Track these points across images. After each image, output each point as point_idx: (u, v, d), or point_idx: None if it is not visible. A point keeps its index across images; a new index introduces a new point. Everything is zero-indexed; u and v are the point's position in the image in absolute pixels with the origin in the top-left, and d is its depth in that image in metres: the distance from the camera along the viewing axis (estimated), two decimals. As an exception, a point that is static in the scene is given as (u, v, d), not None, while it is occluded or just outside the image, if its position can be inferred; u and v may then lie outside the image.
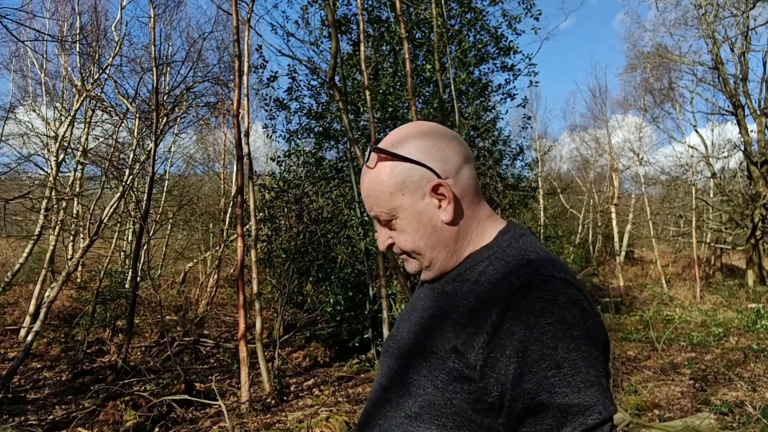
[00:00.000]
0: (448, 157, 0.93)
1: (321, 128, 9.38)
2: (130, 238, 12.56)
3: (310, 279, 8.81)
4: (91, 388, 6.02)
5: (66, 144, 9.33)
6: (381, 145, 0.95)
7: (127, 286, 8.11)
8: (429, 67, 8.08)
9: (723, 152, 18.43)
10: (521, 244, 0.91)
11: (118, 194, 8.25)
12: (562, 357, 0.74)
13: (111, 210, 8.16)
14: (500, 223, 0.97)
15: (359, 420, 1.02)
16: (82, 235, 10.70)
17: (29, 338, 6.27)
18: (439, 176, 0.91)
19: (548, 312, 0.76)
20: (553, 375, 0.74)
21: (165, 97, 9.27)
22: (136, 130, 9.28)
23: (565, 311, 0.77)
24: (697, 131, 25.15)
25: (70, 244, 11.20)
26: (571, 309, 0.77)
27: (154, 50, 7.76)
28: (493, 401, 0.78)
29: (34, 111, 11.29)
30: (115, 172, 9.10)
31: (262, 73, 9.21)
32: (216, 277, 11.73)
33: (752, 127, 15.99)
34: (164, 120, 8.95)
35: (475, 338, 0.80)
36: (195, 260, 13.78)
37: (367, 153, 0.98)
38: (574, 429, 0.72)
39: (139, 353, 7.92)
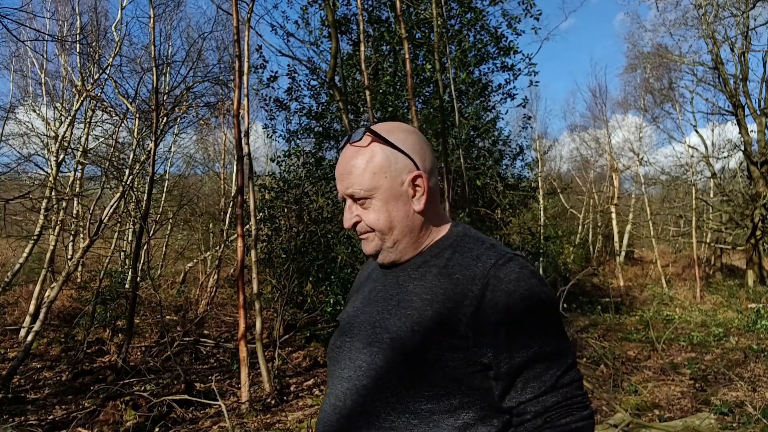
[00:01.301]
0: (427, 157, 1.05)
1: (321, 128, 9.37)
2: (130, 238, 12.56)
3: (310, 279, 8.81)
4: (91, 388, 6.02)
5: (66, 144, 9.33)
6: (373, 128, 1.04)
7: (127, 286, 8.10)
8: (429, 67, 8.08)
9: (723, 152, 18.45)
10: (473, 233, 1.06)
11: (118, 194, 8.25)
12: (536, 316, 0.93)
13: (111, 210, 8.16)
14: (449, 220, 1.10)
15: (324, 417, 1.02)
16: (82, 235, 10.70)
17: (29, 338, 6.27)
18: (418, 169, 1.03)
19: (522, 282, 0.93)
20: (536, 330, 0.92)
21: (165, 97, 9.27)
22: (136, 130, 9.28)
23: (532, 280, 0.94)
24: (697, 131, 25.07)
25: (70, 244, 11.19)
26: (536, 278, 0.95)
27: (154, 50, 7.76)
28: (487, 362, 0.92)
29: (34, 111, 11.29)
30: (115, 172, 9.10)
31: (262, 73, 9.22)
32: (216, 277, 11.72)
33: (752, 127, 16.00)
34: (164, 120, 8.95)
35: (460, 312, 0.93)
36: (195, 260, 13.77)
37: (354, 132, 1.05)
38: (559, 369, 0.92)
39: (139, 353, 7.92)
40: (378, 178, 1.01)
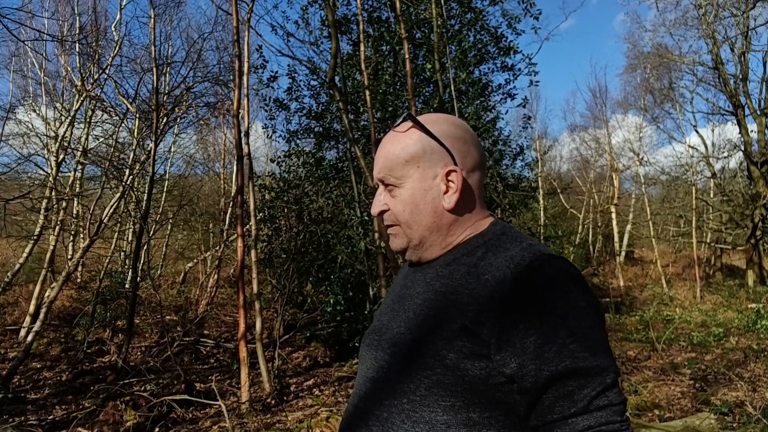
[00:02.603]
0: (470, 154, 0.98)
1: (321, 128, 9.37)
2: (130, 238, 12.56)
3: (310, 279, 8.81)
4: (91, 388, 6.02)
5: (66, 144, 9.33)
6: (416, 117, 0.99)
7: (127, 286, 8.11)
8: (429, 67, 8.07)
9: (723, 152, 18.45)
10: (513, 233, 0.97)
11: (118, 194, 8.25)
12: (574, 325, 0.81)
13: (111, 210, 8.16)
14: (490, 217, 1.02)
15: (347, 417, 0.98)
16: (82, 235, 10.70)
17: (29, 338, 6.27)
18: (455, 164, 0.96)
19: (556, 286, 0.83)
20: (570, 342, 0.81)
21: (165, 97, 9.27)
22: (136, 130, 9.28)
23: (569, 284, 0.84)
24: (697, 131, 25.17)
25: (70, 244, 11.19)
26: (574, 282, 0.85)
27: (154, 50, 7.76)
28: (511, 373, 0.82)
29: (34, 111, 11.28)
30: (115, 172, 9.10)
31: (262, 73, 9.23)
32: (216, 277, 11.72)
33: (752, 127, 16.00)
34: (164, 120, 8.95)
35: (485, 316, 0.84)
36: (195, 260, 13.77)
37: (400, 119, 1.00)
38: (594, 389, 0.80)
39: (139, 353, 7.92)
40: (409, 167, 0.96)
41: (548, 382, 0.81)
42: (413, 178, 0.96)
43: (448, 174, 0.96)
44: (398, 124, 0.99)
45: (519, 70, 9.55)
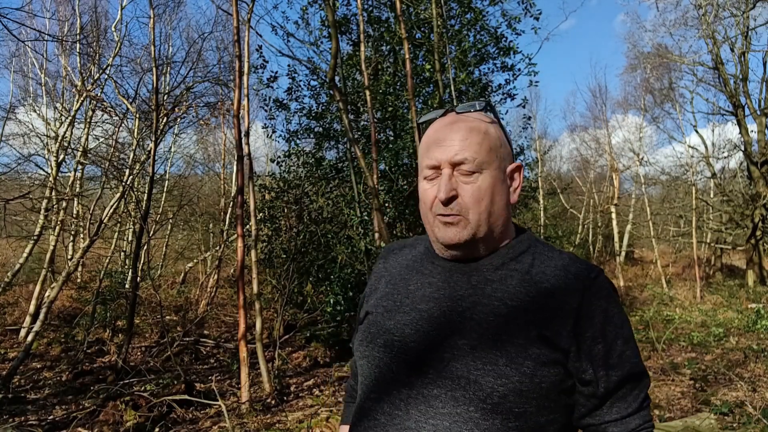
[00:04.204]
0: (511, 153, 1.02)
1: (321, 128, 9.37)
2: (130, 238, 12.56)
3: (310, 279, 8.81)
4: (91, 388, 6.02)
5: (66, 144, 9.33)
6: None
7: (127, 286, 8.10)
8: (429, 67, 8.07)
9: (723, 152, 18.42)
10: (540, 239, 1.02)
11: (118, 194, 8.25)
12: (626, 334, 0.91)
13: (111, 210, 8.16)
14: (513, 223, 1.04)
15: (383, 423, 0.89)
16: (82, 235, 10.70)
17: (29, 338, 6.27)
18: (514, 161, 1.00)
19: (612, 298, 0.92)
20: (626, 349, 0.90)
21: (165, 97, 9.27)
22: (136, 130, 9.28)
23: (617, 296, 0.94)
24: (697, 131, 25.14)
25: (70, 244, 11.19)
26: (616, 293, 0.94)
27: (154, 50, 7.76)
28: (589, 378, 0.88)
29: (35, 111, 11.29)
30: (115, 172, 9.10)
31: (262, 73, 9.23)
32: (216, 277, 11.72)
33: (752, 127, 15.99)
34: (164, 120, 8.95)
35: (560, 324, 0.87)
36: (195, 260, 13.77)
37: (467, 105, 0.98)
38: (641, 390, 0.91)
39: (139, 353, 7.92)
40: (492, 153, 0.93)
41: (617, 387, 0.89)
42: (494, 167, 0.93)
43: (517, 169, 0.98)
44: (475, 109, 0.96)
45: (519, 70, 9.56)
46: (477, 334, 0.87)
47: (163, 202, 12.88)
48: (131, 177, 8.56)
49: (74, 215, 11.44)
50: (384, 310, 0.98)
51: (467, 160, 0.91)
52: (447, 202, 0.91)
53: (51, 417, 5.15)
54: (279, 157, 9.85)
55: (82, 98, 9.03)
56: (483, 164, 0.92)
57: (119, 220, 11.30)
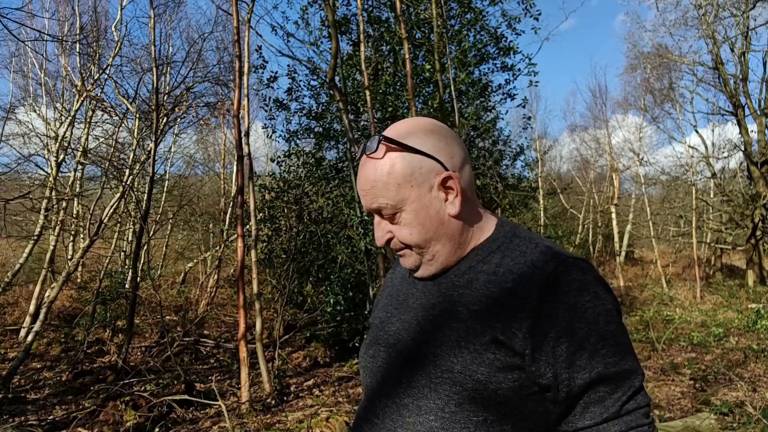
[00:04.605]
0: (454, 153, 0.93)
1: (321, 128, 9.37)
2: (130, 238, 12.56)
3: (310, 279, 8.81)
4: (91, 388, 6.02)
5: (66, 144, 9.33)
6: (387, 134, 0.93)
7: (127, 286, 8.10)
8: (429, 67, 8.07)
9: (723, 152, 18.42)
10: (523, 233, 0.95)
11: (118, 194, 8.25)
12: (604, 330, 0.81)
13: (111, 210, 8.16)
14: (493, 217, 0.99)
15: (364, 429, 0.93)
16: (82, 235, 10.70)
17: (29, 338, 6.27)
18: (446, 169, 0.91)
19: (584, 291, 0.82)
20: (601, 347, 0.80)
21: (165, 97, 9.27)
22: (136, 130, 9.28)
23: (596, 288, 0.83)
24: (697, 131, 25.18)
25: (70, 244, 11.19)
26: (600, 286, 0.84)
27: (154, 50, 7.76)
28: (548, 383, 0.81)
29: (35, 111, 11.29)
30: (115, 172, 9.10)
31: (262, 73, 9.22)
32: (216, 277, 11.73)
33: (752, 127, 16.00)
34: (164, 120, 8.95)
35: (516, 326, 0.82)
36: (195, 260, 13.78)
37: (369, 142, 0.93)
38: (624, 393, 0.81)
39: (139, 353, 7.92)
40: (404, 189, 0.90)
41: (582, 390, 0.80)
42: (411, 199, 0.91)
43: (443, 182, 0.92)
44: (372, 150, 0.92)
45: (519, 70, 9.54)
46: (440, 341, 0.86)
47: (163, 202, 12.88)
48: (131, 177, 8.56)
49: (74, 215, 11.44)
50: (378, 321, 1.03)
51: (382, 206, 0.92)
52: (387, 246, 0.96)
53: (51, 417, 5.15)
54: (279, 157, 9.85)
55: (82, 98, 9.03)
56: (398, 203, 0.91)
57: (119, 220, 11.30)
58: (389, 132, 0.93)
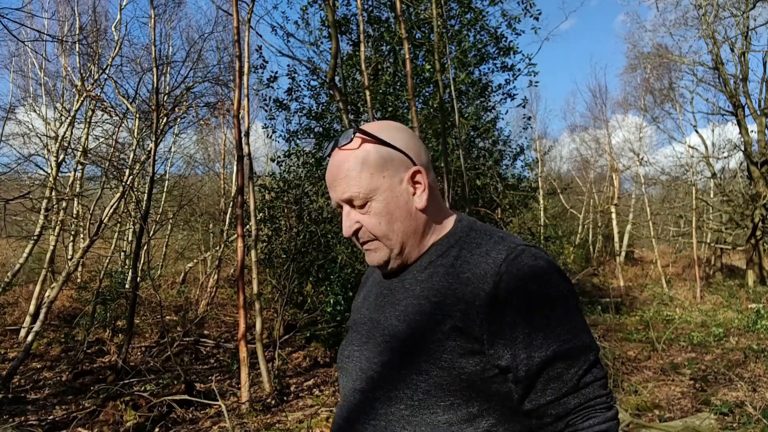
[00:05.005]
0: (422, 152, 1.00)
1: (321, 128, 9.37)
2: (130, 238, 12.56)
3: (310, 279, 8.80)
4: (91, 388, 6.02)
5: (66, 144, 9.33)
6: (362, 128, 0.98)
7: (127, 286, 8.10)
8: (429, 67, 8.07)
9: (723, 152, 18.43)
10: (480, 226, 1.00)
11: (118, 194, 8.25)
12: (555, 312, 0.86)
13: (111, 210, 8.16)
14: (452, 213, 1.04)
15: (341, 426, 0.97)
16: (82, 235, 10.70)
17: (29, 338, 6.27)
18: (415, 164, 0.97)
19: (536, 275, 0.87)
20: (555, 326, 0.85)
21: (165, 97, 9.27)
22: (136, 130, 9.28)
23: (548, 272, 0.88)
24: (697, 131, 25.15)
25: (70, 244, 11.19)
26: (552, 270, 0.89)
27: (154, 50, 7.76)
28: (506, 364, 0.86)
29: (34, 111, 11.29)
30: (115, 172, 9.10)
31: (262, 73, 9.22)
32: (216, 277, 11.73)
33: (752, 127, 16.00)
34: (164, 120, 8.95)
35: (473, 313, 0.86)
36: (195, 260, 13.78)
37: (342, 136, 0.98)
38: (580, 368, 0.86)
39: (139, 353, 7.92)
40: (376, 178, 0.94)
41: (540, 368, 0.85)
42: (383, 188, 0.95)
43: (413, 175, 0.97)
44: (348, 140, 0.96)
45: (519, 70, 9.54)
46: (405, 334, 0.91)
47: (163, 202, 12.88)
48: (131, 177, 8.56)
49: (74, 215, 11.44)
50: (353, 323, 1.07)
51: (352, 196, 0.95)
52: (354, 235, 0.98)
53: (51, 417, 5.15)
54: (279, 157, 9.86)
55: (82, 98, 9.03)
56: (370, 192, 0.95)
57: (119, 220, 11.30)
58: (364, 126, 0.98)
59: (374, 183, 0.95)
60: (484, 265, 0.89)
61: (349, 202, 0.97)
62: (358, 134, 0.96)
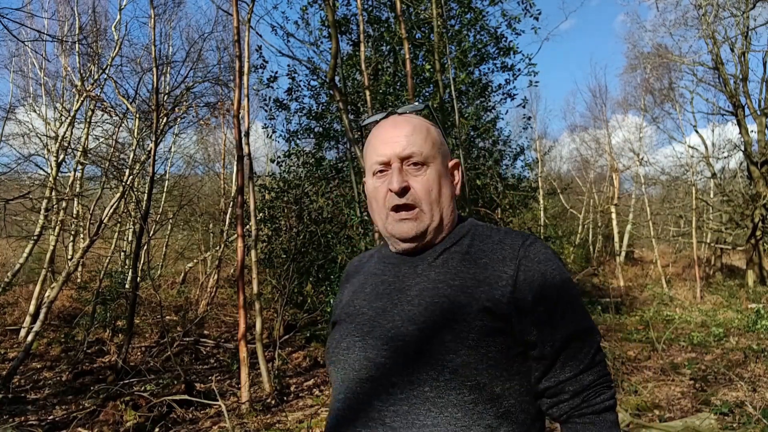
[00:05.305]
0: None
1: (321, 128, 9.37)
2: (130, 238, 12.56)
3: (310, 279, 8.80)
4: (91, 388, 6.02)
5: (66, 144, 9.33)
6: None
7: (127, 286, 8.10)
8: (429, 67, 8.07)
9: (723, 152, 18.42)
10: (483, 223, 1.07)
11: (118, 194, 8.25)
12: (569, 293, 0.94)
13: (111, 210, 8.16)
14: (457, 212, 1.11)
15: (343, 422, 0.93)
16: (82, 235, 10.70)
17: (29, 338, 6.27)
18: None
19: (550, 261, 0.95)
20: (570, 308, 0.93)
21: (165, 97, 9.27)
22: (136, 130, 9.28)
23: (557, 260, 0.96)
24: (697, 131, 25.10)
25: (70, 244, 11.19)
26: (558, 258, 0.98)
27: (154, 50, 7.76)
28: (534, 339, 0.91)
29: (34, 111, 11.29)
30: (115, 172, 9.10)
31: (262, 73, 9.23)
32: (216, 277, 11.73)
33: (752, 127, 15.99)
34: (164, 120, 8.95)
35: (498, 293, 0.91)
36: (195, 260, 13.77)
37: (407, 106, 1.07)
38: (591, 347, 0.93)
39: (139, 353, 7.92)
40: (435, 149, 1.01)
41: (562, 346, 0.91)
42: (438, 162, 1.01)
43: (456, 166, 1.06)
44: (411, 111, 1.04)
45: (519, 70, 9.55)
46: (424, 317, 0.91)
47: (163, 202, 12.88)
48: (131, 177, 8.56)
49: (74, 215, 11.44)
50: (346, 315, 1.04)
51: (414, 153, 0.98)
52: (401, 192, 0.97)
53: (51, 417, 5.15)
54: (279, 157, 9.85)
55: (82, 98, 9.03)
56: (428, 157, 0.99)
57: (119, 220, 11.30)
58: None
59: (434, 151, 1.00)
60: (500, 251, 0.96)
61: (407, 158, 0.98)
62: (427, 110, 1.07)
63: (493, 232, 1.01)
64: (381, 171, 1.00)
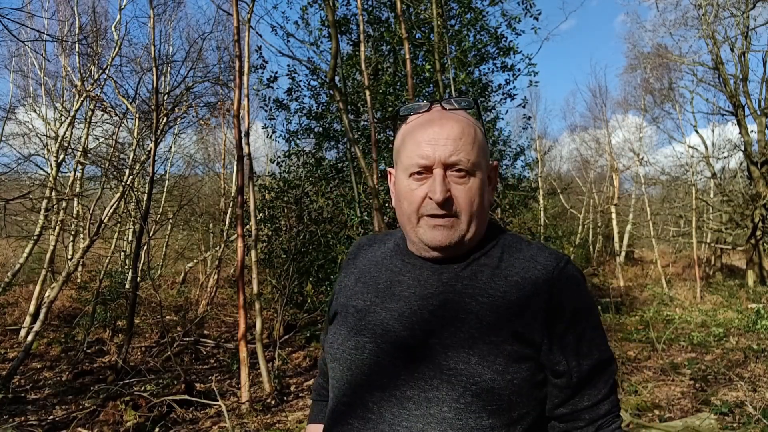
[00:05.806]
0: None
1: (321, 128, 9.37)
2: (130, 238, 12.56)
3: (310, 279, 8.80)
4: (91, 388, 6.01)
5: (66, 144, 9.33)
6: None
7: (127, 286, 8.10)
8: (429, 67, 8.07)
9: (723, 152, 18.42)
10: (510, 232, 1.01)
11: (118, 194, 8.24)
12: (594, 322, 0.92)
13: (111, 210, 8.16)
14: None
15: (356, 426, 0.88)
16: (82, 235, 10.70)
17: (29, 338, 6.27)
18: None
19: (580, 287, 0.92)
20: (595, 337, 0.91)
21: (165, 97, 9.26)
22: (136, 130, 9.28)
23: (585, 285, 0.94)
24: (697, 131, 25.11)
25: (70, 244, 11.19)
26: (585, 281, 0.94)
27: (154, 50, 7.76)
28: (563, 369, 0.88)
29: (34, 111, 11.29)
30: (115, 172, 9.10)
31: (262, 73, 9.22)
32: (216, 277, 11.73)
33: (752, 127, 15.99)
34: (164, 120, 8.94)
35: (532, 319, 0.87)
36: (195, 260, 13.77)
37: (457, 100, 0.94)
38: (609, 376, 0.92)
39: (139, 353, 7.91)
40: (481, 155, 0.91)
41: (588, 375, 0.89)
42: (482, 169, 0.92)
43: (496, 168, 0.99)
44: (460, 108, 0.92)
45: (519, 70, 9.55)
46: (449, 333, 0.85)
47: (163, 202, 12.88)
48: (131, 177, 8.55)
49: (74, 215, 11.44)
50: (354, 310, 0.96)
51: (461, 161, 0.88)
52: (443, 204, 0.88)
53: (51, 417, 5.15)
54: (279, 157, 9.86)
55: (82, 98, 9.03)
56: (475, 166, 0.90)
57: (119, 220, 11.30)
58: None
59: (479, 159, 0.91)
60: (533, 270, 0.90)
61: (452, 166, 0.89)
62: (474, 105, 0.95)
63: (523, 246, 0.95)
64: (420, 173, 0.90)
